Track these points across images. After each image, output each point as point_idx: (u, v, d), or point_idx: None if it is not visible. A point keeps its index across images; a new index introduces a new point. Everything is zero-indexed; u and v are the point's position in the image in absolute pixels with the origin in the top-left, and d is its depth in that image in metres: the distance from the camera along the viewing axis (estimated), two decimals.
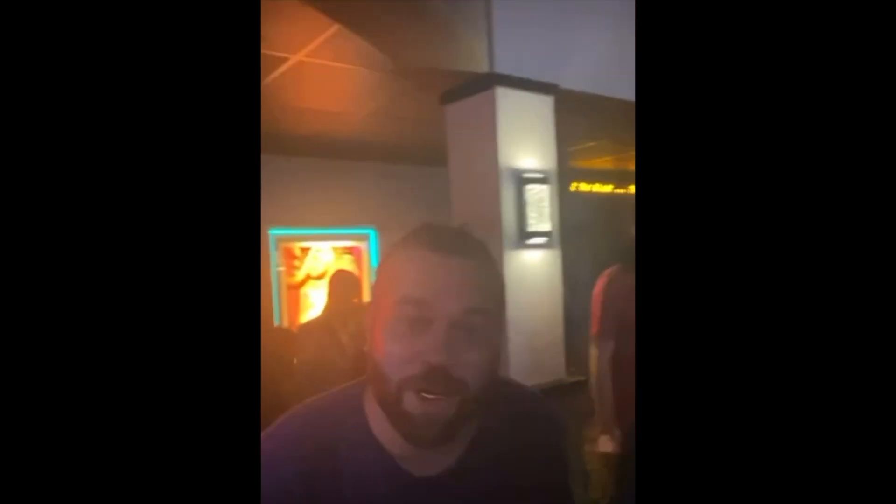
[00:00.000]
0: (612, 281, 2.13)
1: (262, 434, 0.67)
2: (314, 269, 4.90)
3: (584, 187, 5.12)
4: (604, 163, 5.50)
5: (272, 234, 4.70)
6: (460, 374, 0.60)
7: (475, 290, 0.63)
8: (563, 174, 2.97)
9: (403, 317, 0.61)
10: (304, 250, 4.89)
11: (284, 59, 3.16)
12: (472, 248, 0.66)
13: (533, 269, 2.74)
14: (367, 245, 5.19)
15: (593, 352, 2.16)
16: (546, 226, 2.74)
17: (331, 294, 2.68)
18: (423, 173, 5.12)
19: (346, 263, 4.94)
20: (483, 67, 2.61)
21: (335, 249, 5.02)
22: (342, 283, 2.69)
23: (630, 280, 2.03)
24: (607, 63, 2.88)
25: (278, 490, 0.63)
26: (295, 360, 2.72)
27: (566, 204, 2.98)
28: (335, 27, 2.74)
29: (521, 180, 2.67)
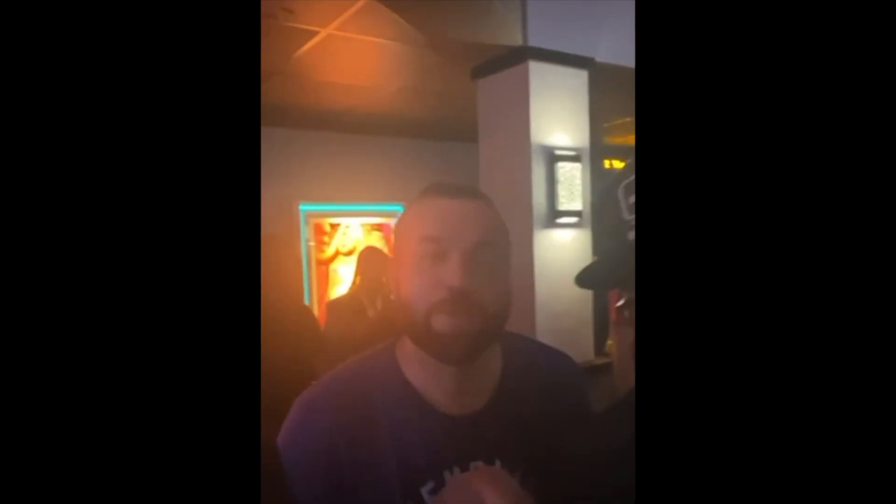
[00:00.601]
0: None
1: (299, 400, 0.75)
2: (343, 245, 4.93)
3: (617, 164, 5.01)
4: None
5: (302, 210, 4.73)
6: (479, 295, 0.70)
7: (483, 226, 0.73)
8: (597, 151, 2.90)
9: (425, 253, 0.71)
10: (334, 226, 4.91)
11: (314, 33, 3.12)
12: (478, 194, 0.77)
13: (563, 248, 2.69)
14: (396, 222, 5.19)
15: (614, 339, 2.11)
16: (577, 205, 2.68)
17: (359, 271, 2.68)
18: (452, 149, 5.07)
19: (376, 240, 4.95)
20: (516, 41, 2.54)
21: (364, 226, 5.04)
22: (371, 260, 2.69)
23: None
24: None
25: (321, 448, 0.71)
26: (323, 335, 2.75)
27: (599, 182, 2.91)
28: (364, 0, 2.69)
29: (552, 157, 2.61)
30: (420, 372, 0.75)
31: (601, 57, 2.74)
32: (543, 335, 2.59)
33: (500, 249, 0.74)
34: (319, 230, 4.85)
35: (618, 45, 2.79)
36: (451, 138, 5.09)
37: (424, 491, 0.71)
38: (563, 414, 0.78)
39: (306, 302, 4.62)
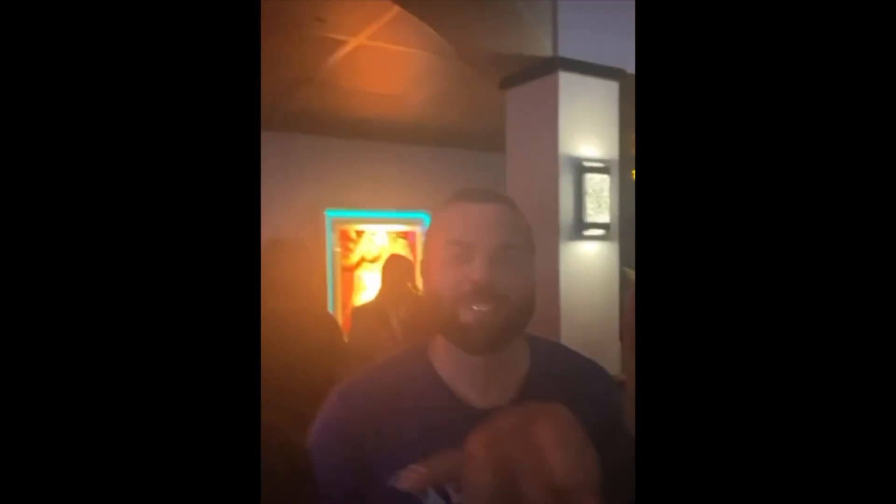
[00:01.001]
0: None
1: (335, 389, 0.79)
2: (369, 252, 4.95)
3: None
4: None
5: (328, 216, 4.77)
6: (502, 288, 0.74)
7: (507, 228, 0.77)
8: (626, 163, 2.86)
9: (452, 254, 0.75)
10: (360, 233, 4.94)
11: (345, 43, 3.16)
12: (502, 198, 0.80)
13: (589, 261, 2.66)
14: (422, 230, 5.20)
15: (628, 364, 2.02)
16: (605, 217, 2.64)
17: (385, 279, 2.68)
18: (480, 159, 5.07)
19: (401, 248, 4.96)
20: (546, 51, 2.53)
21: (390, 234, 5.05)
22: (396, 268, 2.69)
23: None
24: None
25: (350, 435, 0.74)
26: (346, 342, 2.75)
27: (627, 194, 2.88)
28: (395, 10, 2.71)
29: (580, 169, 2.58)
30: (449, 365, 0.78)
31: (632, 68, 2.72)
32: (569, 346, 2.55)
33: (523, 250, 0.78)
34: (345, 237, 4.88)
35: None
36: (479, 148, 5.08)
37: None
38: (589, 415, 0.78)
39: (330, 308, 4.65)
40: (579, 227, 2.59)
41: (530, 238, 0.81)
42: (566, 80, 2.55)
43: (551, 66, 2.53)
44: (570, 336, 2.56)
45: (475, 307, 0.73)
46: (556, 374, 0.82)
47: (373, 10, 2.79)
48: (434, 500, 0.71)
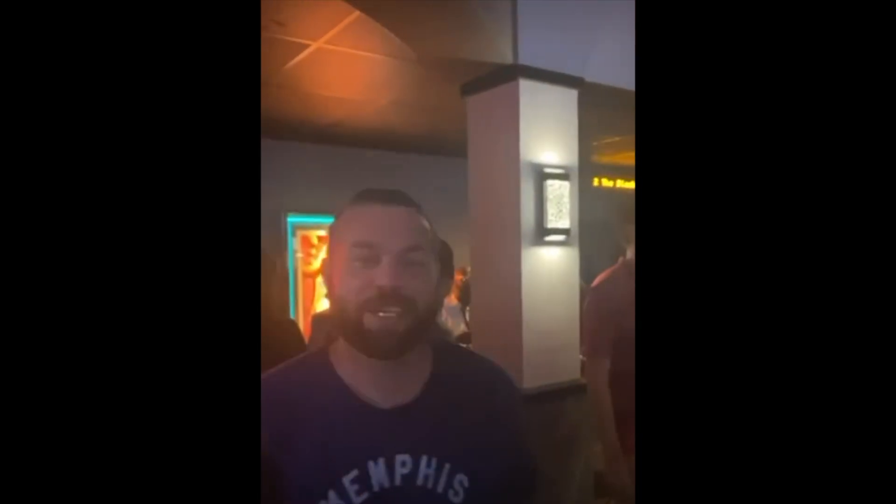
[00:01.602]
0: (605, 295, 1.97)
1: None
2: None
3: (606, 183, 5.03)
4: (628, 158, 5.39)
5: (290, 221, 4.69)
6: (407, 293, 0.73)
7: (413, 231, 0.76)
8: (585, 170, 2.90)
9: (357, 257, 0.74)
10: (322, 238, 4.88)
11: (305, 46, 3.12)
12: (408, 200, 0.80)
13: (550, 266, 2.68)
14: None
15: (588, 371, 1.99)
16: (565, 223, 2.67)
17: None
18: (441, 164, 5.07)
19: None
20: (507, 59, 2.55)
21: None
22: None
23: (628, 288, 1.88)
24: (634, 56, 2.80)
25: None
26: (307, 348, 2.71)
27: (587, 201, 2.91)
28: (356, 14, 2.69)
29: (541, 175, 2.60)
30: (351, 368, 0.78)
31: (590, 76, 2.76)
32: (530, 353, 2.57)
33: (427, 253, 0.78)
34: (307, 242, 4.81)
35: (607, 65, 2.81)
36: (441, 153, 5.09)
37: (346, 480, 0.72)
38: (492, 415, 0.82)
39: (292, 314, 4.57)
40: (540, 233, 2.61)
41: (434, 241, 0.80)
42: (526, 87, 2.56)
43: (511, 73, 2.55)
44: (531, 341, 2.57)
45: (381, 313, 0.72)
46: (459, 376, 0.83)
47: (332, 14, 2.76)
48: (334, 501, 0.71)
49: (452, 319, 4.35)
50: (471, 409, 0.80)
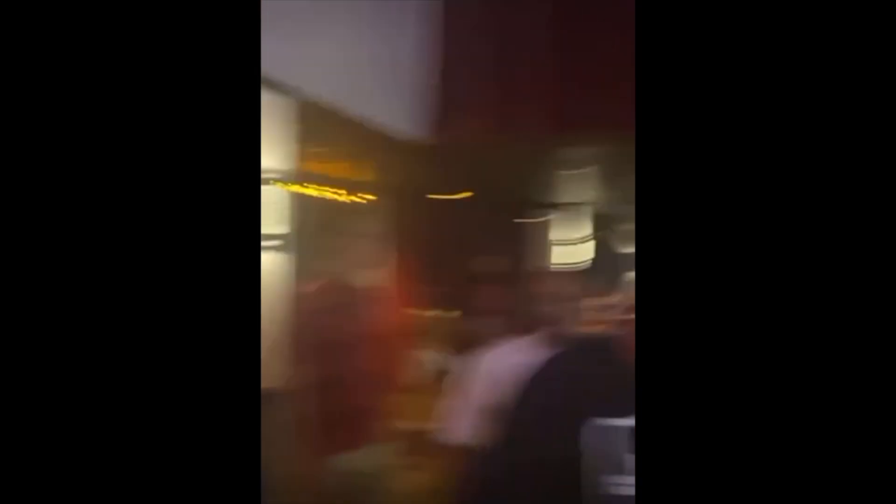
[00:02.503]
0: (316, 299, 2.08)
1: None
2: None
3: (312, 191, 5.10)
4: (339, 169, 5.56)
5: None
6: None
7: None
8: (296, 178, 2.97)
9: None
10: None
11: None
12: None
13: (264, 270, 2.67)
14: None
15: (292, 374, 2.05)
16: (284, 228, 2.71)
17: None
18: None
19: None
20: None
21: None
22: None
23: (336, 294, 1.91)
24: (352, 75, 2.99)
25: None
26: None
27: (301, 207, 2.99)
28: None
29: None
30: None
31: (307, 89, 2.84)
32: None
33: None
34: None
35: (323, 80, 2.94)
36: None
37: None
38: None
39: None
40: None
41: None
42: None
43: None
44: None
45: None
46: None
47: None
48: None
49: None
50: None
